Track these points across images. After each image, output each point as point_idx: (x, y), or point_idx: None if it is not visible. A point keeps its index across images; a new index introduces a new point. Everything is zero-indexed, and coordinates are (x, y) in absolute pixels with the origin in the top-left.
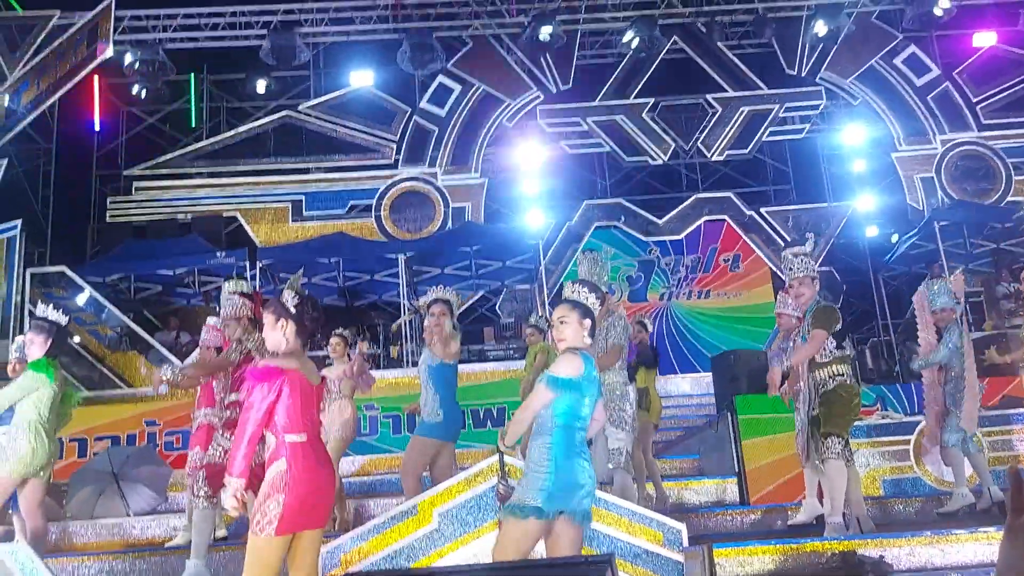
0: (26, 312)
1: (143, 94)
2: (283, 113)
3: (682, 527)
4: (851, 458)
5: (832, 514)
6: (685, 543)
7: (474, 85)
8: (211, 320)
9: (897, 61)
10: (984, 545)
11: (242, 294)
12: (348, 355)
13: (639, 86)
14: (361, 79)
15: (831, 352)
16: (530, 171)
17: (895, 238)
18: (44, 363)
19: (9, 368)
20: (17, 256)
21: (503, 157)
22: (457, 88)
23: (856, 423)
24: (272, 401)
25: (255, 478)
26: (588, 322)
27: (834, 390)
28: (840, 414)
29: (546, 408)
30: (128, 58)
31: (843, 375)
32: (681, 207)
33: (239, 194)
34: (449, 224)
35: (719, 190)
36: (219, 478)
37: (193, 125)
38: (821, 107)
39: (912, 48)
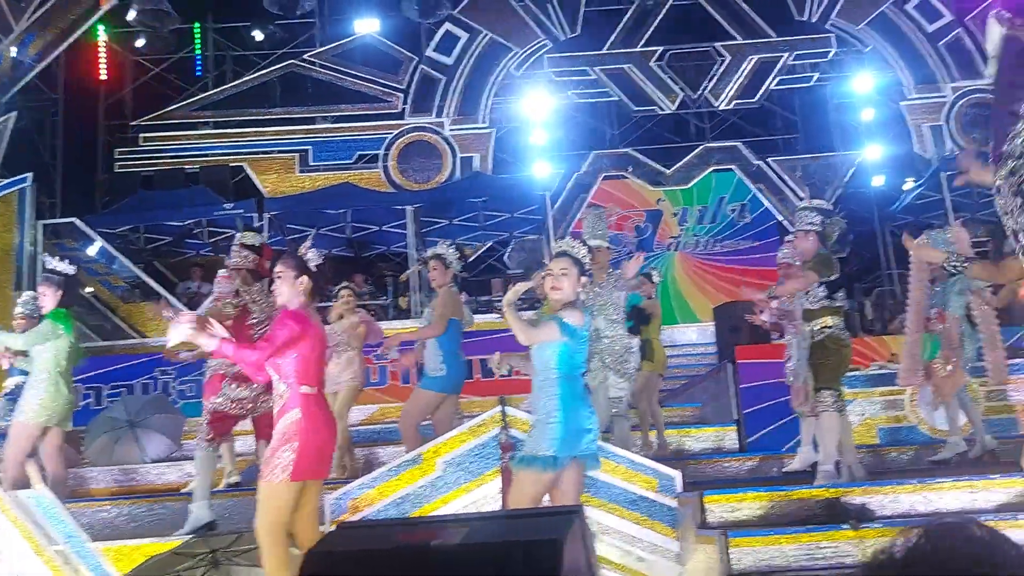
0: (39, 263)
1: (148, 43)
2: (288, 62)
3: (676, 474)
4: (843, 408)
5: (824, 462)
6: (679, 489)
7: (481, 32)
8: (223, 271)
9: (909, 7)
10: (966, 493)
11: (245, 246)
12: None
13: (648, 34)
14: (366, 27)
15: (820, 300)
16: (538, 121)
17: (908, 184)
18: (63, 313)
19: (15, 323)
20: (28, 208)
21: (511, 107)
22: (464, 36)
23: (853, 373)
24: (290, 341)
25: (266, 427)
26: (584, 280)
27: (822, 342)
28: (830, 367)
29: (547, 360)
30: (132, 8)
31: (832, 327)
32: (689, 157)
33: (246, 144)
34: (457, 174)
35: (727, 140)
36: (223, 425)
37: (199, 74)
38: (831, 54)
39: None
